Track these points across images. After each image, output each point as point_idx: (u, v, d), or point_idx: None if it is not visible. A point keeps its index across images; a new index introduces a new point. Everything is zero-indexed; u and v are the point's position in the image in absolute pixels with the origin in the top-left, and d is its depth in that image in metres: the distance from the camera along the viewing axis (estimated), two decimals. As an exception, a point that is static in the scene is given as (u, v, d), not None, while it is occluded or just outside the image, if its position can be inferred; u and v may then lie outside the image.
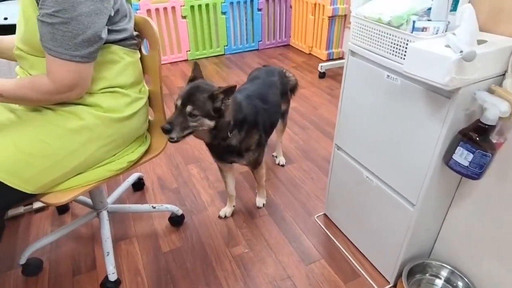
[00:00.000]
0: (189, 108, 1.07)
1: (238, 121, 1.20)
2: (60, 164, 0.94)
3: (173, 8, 2.97)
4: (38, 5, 0.83)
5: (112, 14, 0.91)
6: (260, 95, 1.37)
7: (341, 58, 3.23)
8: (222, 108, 1.11)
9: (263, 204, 1.56)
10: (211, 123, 1.11)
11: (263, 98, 1.37)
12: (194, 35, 3.18)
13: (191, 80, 1.16)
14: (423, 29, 0.88)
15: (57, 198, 0.96)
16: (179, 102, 1.09)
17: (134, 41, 1.04)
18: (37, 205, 1.50)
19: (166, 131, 1.06)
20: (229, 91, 1.09)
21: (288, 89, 1.65)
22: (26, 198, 0.94)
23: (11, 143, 0.90)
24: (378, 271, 1.27)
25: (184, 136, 1.10)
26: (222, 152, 1.28)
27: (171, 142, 1.09)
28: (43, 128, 0.92)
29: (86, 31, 0.84)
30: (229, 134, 1.19)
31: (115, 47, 0.97)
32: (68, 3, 0.80)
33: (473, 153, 0.85)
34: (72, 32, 0.82)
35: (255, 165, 1.41)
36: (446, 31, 0.89)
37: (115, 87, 1.00)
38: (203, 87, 1.11)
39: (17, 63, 1.03)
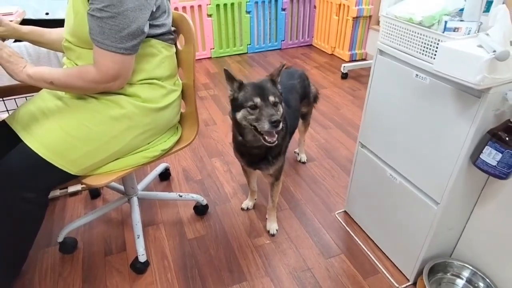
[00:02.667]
0: (272, 98, 1.08)
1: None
2: (102, 149, 1.01)
3: (199, 6, 3.05)
4: (88, 1, 0.90)
5: (154, 10, 0.97)
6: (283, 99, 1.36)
7: (364, 59, 3.22)
8: (281, 91, 1.15)
9: (276, 230, 1.43)
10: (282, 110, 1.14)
11: (285, 102, 1.35)
12: (219, 33, 3.25)
13: (241, 83, 1.12)
14: (455, 29, 0.90)
15: (97, 180, 1.03)
16: (258, 100, 1.07)
17: (172, 36, 1.09)
18: (71, 189, 1.59)
19: (278, 122, 1.03)
20: (280, 70, 1.14)
21: (309, 91, 1.64)
22: (69, 179, 1.01)
23: (58, 127, 0.98)
24: (398, 268, 1.28)
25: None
26: (258, 158, 1.25)
27: (271, 143, 1.07)
28: (88, 114, 1.00)
29: (131, 25, 0.90)
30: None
31: (154, 41, 1.03)
32: (116, -1, 0.86)
33: (501, 152, 0.85)
34: (119, 26, 0.89)
35: (278, 175, 1.35)
36: (478, 32, 0.90)
37: (153, 78, 1.06)
38: (262, 79, 1.14)
39: (62, 54, 1.11)
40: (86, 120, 0.99)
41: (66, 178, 1.00)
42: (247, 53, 3.44)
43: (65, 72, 0.95)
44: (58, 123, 0.98)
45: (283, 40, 3.54)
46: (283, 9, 3.37)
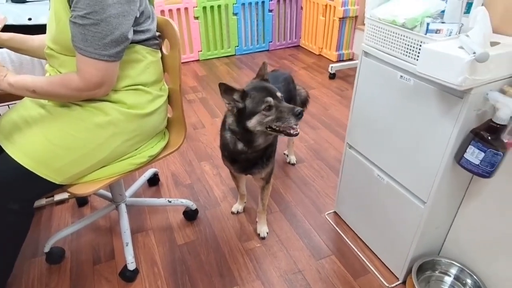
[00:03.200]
0: (279, 94, 1.11)
1: None
2: (87, 157, 0.99)
3: (186, 9, 3.03)
4: (70, 8, 0.88)
5: (138, 16, 0.96)
6: None
7: (351, 59, 3.25)
8: None
9: (267, 233, 1.43)
10: None
11: None
12: (206, 35, 3.23)
13: (244, 91, 1.10)
14: (437, 31, 0.91)
15: (83, 189, 1.01)
16: (270, 99, 1.07)
17: (156, 41, 1.08)
18: (58, 197, 1.56)
19: (303, 111, 1.07)
20: (266, 69, 1.20)
21: (295, 95, 1.64)
22: (54, 188, 0.99)
23: (42, 136, 0.96)
24: (388, 267, 1.29)
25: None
26: (252, 162, 1.24)
27: (297, 134, 1.10)
28: (72, 122, 0.98)
29: (114, 32, 0.88)
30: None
31: (139, 47, 1.01)
32: (98, 6, 0.85)
33: (484, 151, 0.87)
34: (102, 33, 0.87)
35: (269, 178, 1.35)
36: (459, 33, 0.92)
37: (138, 84, 1.04)
38: (254, 82, 1.17)
39: (46, 61, 1.08)
40: (70, 128, 0.97)
41: (51, 188, 0.98)
42: (235, 55, 3.44)
43: (48, 80, 0.93)
44: (41, 132, 0.96)
45: (271, 42, 3.55)
46: (270, 11, 3.38)
